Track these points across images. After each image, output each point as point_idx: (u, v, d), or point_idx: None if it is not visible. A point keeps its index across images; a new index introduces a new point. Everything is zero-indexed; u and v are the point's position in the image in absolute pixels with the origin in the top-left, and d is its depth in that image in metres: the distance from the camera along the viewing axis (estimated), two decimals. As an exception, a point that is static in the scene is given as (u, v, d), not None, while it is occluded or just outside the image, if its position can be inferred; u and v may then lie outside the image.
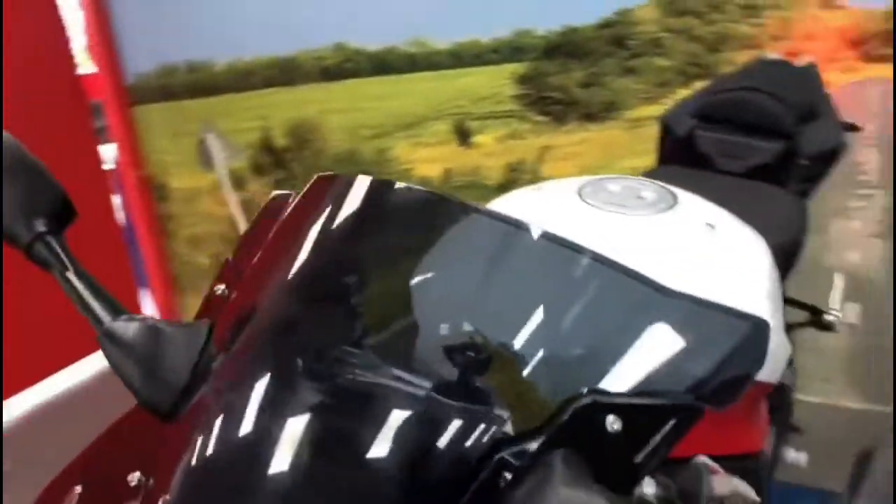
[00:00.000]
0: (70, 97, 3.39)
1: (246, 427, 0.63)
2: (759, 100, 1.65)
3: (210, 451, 0.63)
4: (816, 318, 1.52)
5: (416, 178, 3.12)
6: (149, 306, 3.71)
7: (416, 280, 0.70)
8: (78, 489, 0.73)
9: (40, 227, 0.74)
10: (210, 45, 3.16)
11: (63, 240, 0.74)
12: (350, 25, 2.95)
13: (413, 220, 0.76)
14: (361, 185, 0.78)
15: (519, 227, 0.69)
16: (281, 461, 0.60)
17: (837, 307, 2.04)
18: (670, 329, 0.64)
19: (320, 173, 0.87)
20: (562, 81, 2.79)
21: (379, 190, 0.77)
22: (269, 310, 0.73)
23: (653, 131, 1.84)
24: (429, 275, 0.71)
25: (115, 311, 0.73)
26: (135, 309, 1.19)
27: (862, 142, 2.24)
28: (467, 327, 0.64)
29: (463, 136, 2.98)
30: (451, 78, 2.95)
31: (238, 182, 3.36)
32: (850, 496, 1.07)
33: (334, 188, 0.81)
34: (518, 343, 0.65)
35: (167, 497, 0.62)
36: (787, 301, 1.35)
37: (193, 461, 0.63)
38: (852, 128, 1.88)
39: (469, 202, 0.74)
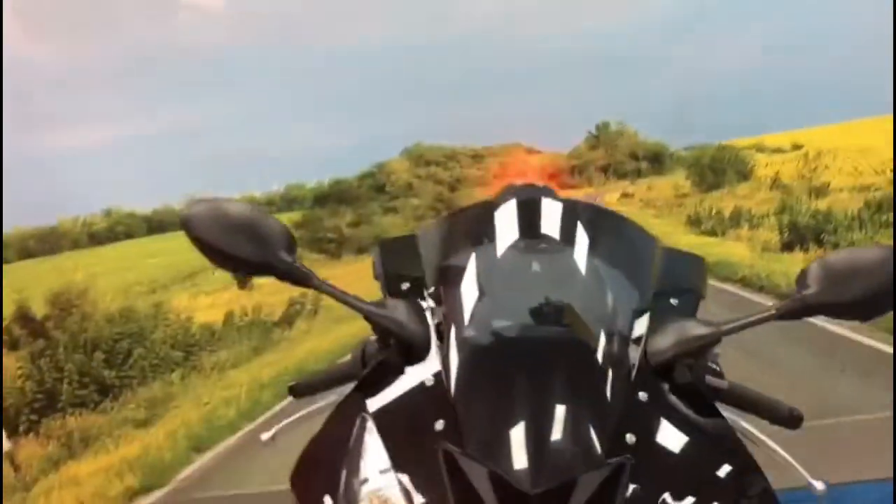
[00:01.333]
0: None
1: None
2: None
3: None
4: None
5: (198, 325, 3.27)
6: None
7: None
8: (377, 440, 1.17)
9: (288, 256, 1.41)
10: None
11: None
12: (119, 191, 3.33)
13: None
14: None
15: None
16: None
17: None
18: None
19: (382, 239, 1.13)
20: (335, 223, 3.50)
21: None
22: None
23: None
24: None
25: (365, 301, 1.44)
26: None
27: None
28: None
29: (243, 280, 3.34)
30: None
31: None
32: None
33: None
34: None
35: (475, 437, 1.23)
36: None
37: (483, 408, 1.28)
38: None
39: None
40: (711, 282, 3.04)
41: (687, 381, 0.95)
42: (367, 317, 1.05)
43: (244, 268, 1.09)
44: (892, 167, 3.14)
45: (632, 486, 0.82)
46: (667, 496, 0.84)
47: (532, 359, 0.89)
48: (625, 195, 2.97)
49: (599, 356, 0.92)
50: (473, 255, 1.07)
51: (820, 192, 3.59)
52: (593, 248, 1.04)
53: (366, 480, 0.89)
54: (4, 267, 2.91)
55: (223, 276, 3.14)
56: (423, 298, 1.07)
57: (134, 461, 3.59)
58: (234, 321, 3.31)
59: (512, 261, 1.04)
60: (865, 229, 3.05)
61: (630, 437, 0.85)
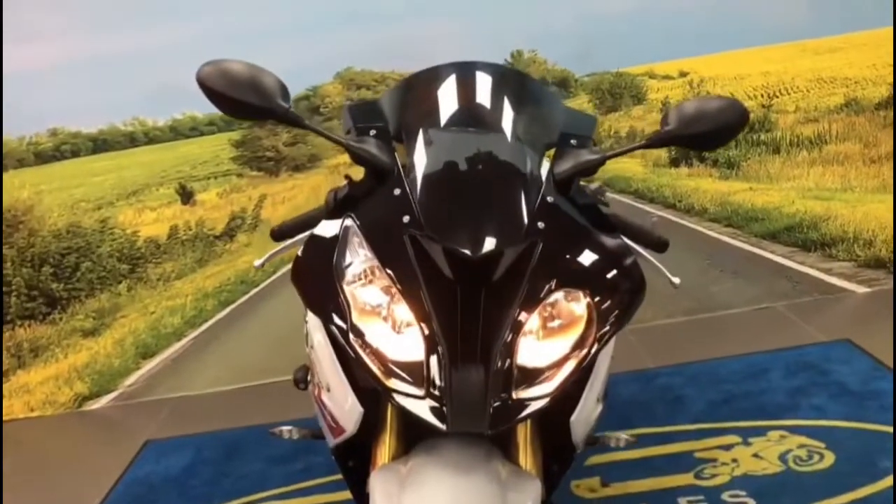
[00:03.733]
0: None
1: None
2: None
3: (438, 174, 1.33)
4: None
5: (143, 239, 3.47)
6: None
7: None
8: (357, 234, 1.32)
9: (285, 103, 1.39)
10: None
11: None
12: (64, 110, 3.40)
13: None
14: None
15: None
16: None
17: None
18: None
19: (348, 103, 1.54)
20: (273, 142, 3.67)
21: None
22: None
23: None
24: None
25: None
26: None
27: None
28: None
29: (186, 195, 3.54)
30: (172, 148, 3.55)
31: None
32: None
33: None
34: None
35: (421, 202, 1.28)
36: None
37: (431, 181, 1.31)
38: None
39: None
40: (610, 194, 3.48)
41: (583, 199, 1.35)
42: (347, 147, 1.44)
43: (251, 114, 1.38)
44: (762, 93, 3.57)
45: (539, 264, 1.21)
46: (558, 277, 1.23)
47: (474, 171, 1.29)
48: None
49: (520, 170, 1.31)
50: (423, 118, 1.45)
51: None
52: (516, 104, 1.43)
53: (350, 263, 1.25)
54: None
55: (167, 192, 3.24)
56: (388, 141, 1.44)
57: (82, 369, 3.76)
58: (178, 235, 3.31)
59: (456, 117, 1.42)
60: (740, 147, 3.48)
61: (541, 224, 1.25)
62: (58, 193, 3.22)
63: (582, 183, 1.41)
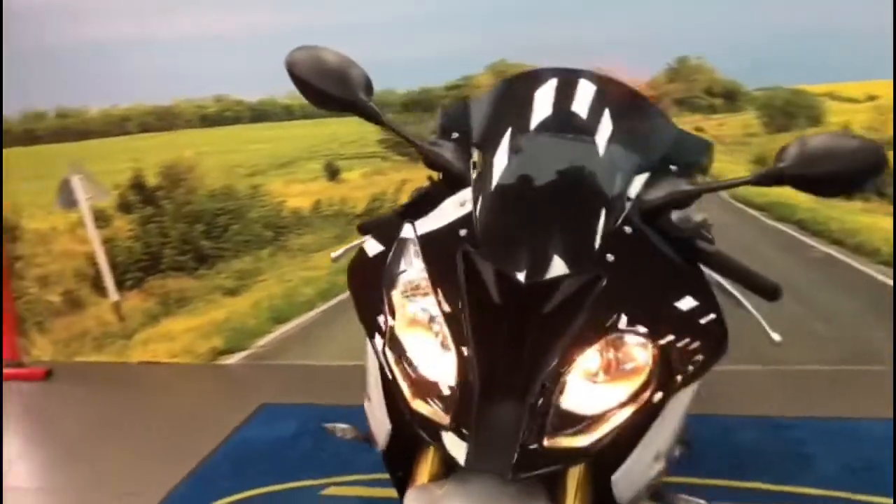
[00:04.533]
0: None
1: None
2: None
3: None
4: None
5: (289, 209, 3.56)
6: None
7: None
8: (415, 242, 1.24)
9: (367, 98, 1.37)
10: (83, 93, 3.41)
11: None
12: (229, 78, 3.55)
13: None
14: None
15: None
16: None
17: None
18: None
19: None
20: (418, 129, 3.66)
21: None
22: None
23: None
24: None
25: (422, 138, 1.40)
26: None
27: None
28: None
29: (332, 172, 3.61)
30: (323, 125, 3.63)
31: (104, 219, 3.38)
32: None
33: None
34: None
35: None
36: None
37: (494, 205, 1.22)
38: None
39: None
40: (768, 220, 3.18)
41: (675, 232, 1.20)
42: (420, 150, 1.39)
43: (332, 105, 1.36)
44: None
45: (600, 298, 1.08)
46: (623, 314, 1.09)
47: (552, 184, 1.17)
48: (697, 129, 3.00)
49: (603, 191, 1.18)
50: (512, 119, 1.35)
51: (889, 145, 3.51)
52: (617, 117, 1.29)
53: (403, 271, 1.17)
54: (124, 138, 3.17)
55: (315, 167, 3.37)
56: (466, 146, 1.37)
57: (220, 325, 3.97)
58: (321, 209, 3.47)
59: (548, 122, 1.31)
60: (925, 185, 3.11)
61: (610, 257, 1.11)
62: (217, 156, 3.40)
63: (679, 215, 1.24)
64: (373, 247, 1.32)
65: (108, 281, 3.81)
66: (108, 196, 3.41)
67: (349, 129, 3.44)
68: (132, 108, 3.29)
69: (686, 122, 3.38)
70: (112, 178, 3.44)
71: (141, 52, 3.25)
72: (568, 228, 1.13)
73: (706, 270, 1.25)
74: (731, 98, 3.32)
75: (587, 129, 1.26)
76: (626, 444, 1.15)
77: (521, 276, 1.05)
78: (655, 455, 1.25)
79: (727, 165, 3.32)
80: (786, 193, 3.36)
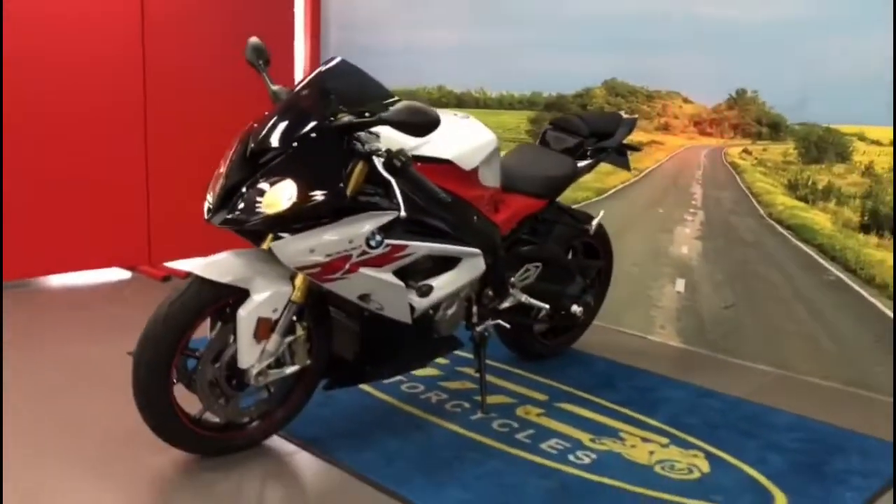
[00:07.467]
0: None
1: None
2: (575, 121, 3.19)
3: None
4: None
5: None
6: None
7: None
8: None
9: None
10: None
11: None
12: (445, 73, 4.53)
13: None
14: None
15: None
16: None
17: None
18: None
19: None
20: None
21: None
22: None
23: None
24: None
25: None
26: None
27: (695, 181, 3.63)
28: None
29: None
30: (495, 115, 4.21)
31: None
32: None
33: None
34: None
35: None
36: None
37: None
38: (634, 148, 3.36)
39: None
40: (794, 240, 3.63)
41: (372, 148, 2.21)
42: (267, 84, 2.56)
43: (253, 68, 2.61)
44: None
45: (280, 161, 2.17)
46: (287, 171, 2.16)
47: (286, 108, 2.29)
48: (745, 151, 3.00)
49: (307, 116, 2.21)
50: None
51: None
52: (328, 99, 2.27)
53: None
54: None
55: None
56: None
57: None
58: None
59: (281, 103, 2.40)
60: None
61: (294, 144, 2.17)
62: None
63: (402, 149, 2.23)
64: None
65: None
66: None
67: (510, 120, 4.27)
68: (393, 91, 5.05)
69: (737, 144, 3.72)
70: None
71: (400, 54, 4.68)
72: (287, 129, 2.10)
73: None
74: (775, 129, 3.67)
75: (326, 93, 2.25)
76: (300, 229, 2.14)
77: (253, 143, 2.13)
78: (311, 248, 2.12)
79: (766, 185, 3.66)
80: (812, 218, 3.76)
